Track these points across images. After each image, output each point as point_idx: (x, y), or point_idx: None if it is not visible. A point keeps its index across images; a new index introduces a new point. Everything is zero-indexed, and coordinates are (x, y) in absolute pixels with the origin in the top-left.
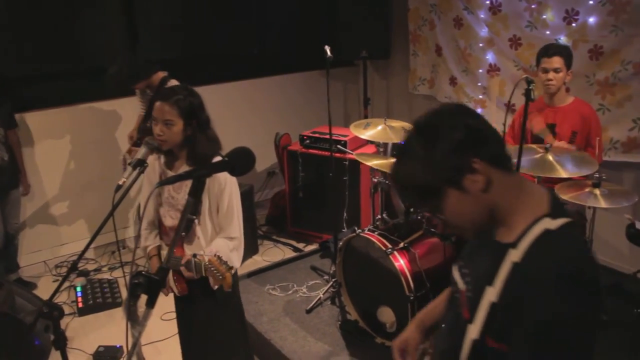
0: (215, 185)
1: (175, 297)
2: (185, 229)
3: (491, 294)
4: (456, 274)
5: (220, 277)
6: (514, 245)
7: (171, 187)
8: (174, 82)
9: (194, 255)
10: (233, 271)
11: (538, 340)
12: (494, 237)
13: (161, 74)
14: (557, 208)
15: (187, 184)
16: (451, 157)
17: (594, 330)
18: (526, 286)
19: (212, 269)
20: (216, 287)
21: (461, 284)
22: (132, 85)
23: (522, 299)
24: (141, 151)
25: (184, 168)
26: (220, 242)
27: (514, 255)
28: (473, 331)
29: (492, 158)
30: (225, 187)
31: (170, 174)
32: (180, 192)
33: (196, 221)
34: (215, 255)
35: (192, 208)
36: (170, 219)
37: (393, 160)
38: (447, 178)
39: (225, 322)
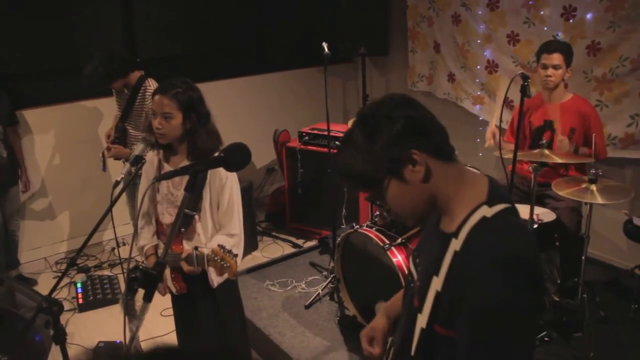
0: (217, 180)
1: (173, 296)
2: (185, 225)
3: (436, 284)
4: (411, 265)
5: (226, 265)
6: (455, 234)
7: (170, 184)
8: (151, 82)
9: (195, 248)
10: (239, 260)
11: (477, 326)
12: (439, 225)
13: (138, 73)
14: (495, 195)
15: (187, 180)
16: (390, 148)
17: (533, 315)
18: (464, 274)
19: (217, 258)
20: (217, 283)
21: (415, 274)
22: (108, 85)
23: (461, 286)
24: (139, 147)
25: (183, 163)
26: (221, 238)
27: (455, 244)
28: (421, 320)
29: (433, 149)
30: (226, 182)
31: (169, 169)
32: (180, 189)
33: (196, 217)
34: (218, 245)
35: (189, 203)
36: (169, 216)
37: (336, 151)
38: (387, 169)
39: (225, 321)
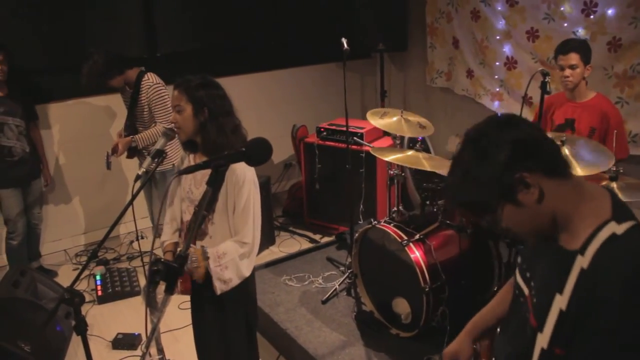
0: (233, 182)
1: (191, 298)
2: (198, 224)
3: (560, 302)
4: (519, 279)
5: (196, 265)
6: (581, 252)
7: (192, 182)
8: (150, 75)
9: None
10: (229, 276)
11: (601, 346)
12: (557, 242)
13: (137, 70)
14: (620, 211)
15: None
16: (502, 174)
17: None
18: (594, 293)
19: (194, 258)
20: (219, 290)
21: (525, 289)
22: (105, 83)
23: (589, 306)
24: (160, 141)
25: (203, 160)
26: (230, 244)
27: (582, 262)
28: (542, 340)
29: (545, 168)
30: (244, 185)
31: (200, 172)
32: (200, 188)
33: (209, 218)
34: (202, 247)
35: (209, 199)
36: (189, 214)
37: (448, 172)
38: (500, 194)
39: (229, 334)
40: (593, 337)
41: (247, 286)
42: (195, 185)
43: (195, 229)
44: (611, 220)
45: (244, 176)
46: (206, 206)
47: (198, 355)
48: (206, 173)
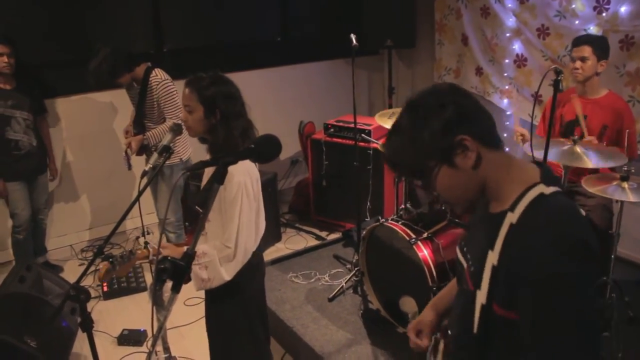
0: (227, 187)
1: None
2: (191, 221)
3: (492, 258)
4: (459, 254)
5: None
6: (511, 209)
7: (207, 178)
8: (158, 72)
9: (146, 243)
10: (206, 276)
11: (540, 299)
12: (487, 211)
13: (144, 66)
14: (549, 177)
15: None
16: (441, 134)
17: (592, 292)
18: (523, 247)
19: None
20: (196, 288)
21: (464, 262)
22: (114, 80)
23: (519, 260)
24: (167, 137)
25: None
26: (211, 247)
27: (511, 217)
28: (481, 296)
29: (482, 136)
30: (232, 182)
31: (212, 169)
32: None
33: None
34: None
35: (202, 200)
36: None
37: (386, 139)
38: (438, 155)
39: (230, 322)
40: (531, 291)
41: (243, 288)
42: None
43: (201, 227)
44: (540, 183)
45: (231, 176)
46: (202, 204)
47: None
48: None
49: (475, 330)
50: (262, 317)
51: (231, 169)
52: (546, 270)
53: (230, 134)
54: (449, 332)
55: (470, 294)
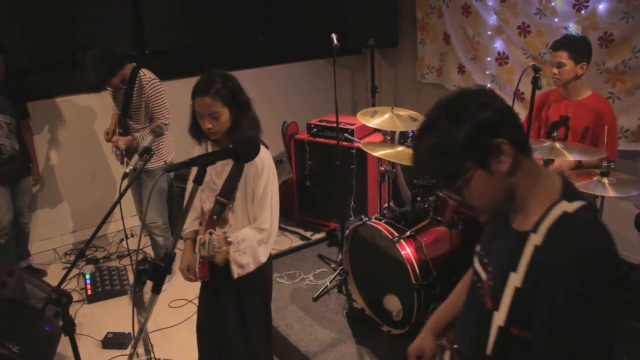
0: (252, 171)
1: (201, 284)
2: (217, 214)
3: (515, 280)
4: (477, 265)
5: (218, 250)
6: (534, 230)
7: (213, 172)
8: (144, 72)
9: (210, 233)
10: (246, 261)
11: (556, 323)
12: (510, 224)
13: (130, 66)
14: (570, 191)
15: (228, 170)
16: (480, 136)
17: (616, 315)
18: (546, 269)
19: (215, 243)
20: (236, 274)
21: (483, 274)
22: (103, 86)
23: (543, 280)
24: (147, 139)
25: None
26: (249, 231)
27: (535, 239)
28: (499, 318)
29: (516, 141)
30: (262, 173)
31: (220, 163)
32: (222, 178)
33: (230, 207)
34: (224, 233)
35: (224, 193)
36: (209, 204)
37: (415, 139)
38: (476, 157)
39: (247, 318)
40: (546, 313)
41: (265, 271)
42: (217, 175)
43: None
44: (562, 199)
45: (262, 164)
46: (228, 196)
47: (202, 341)
48: (226, 163)
49: (489, 352)
50: (270, 304)
51: (259, 160)
52: (572, 293)
53: (254, 121)
54: (455, 346)
55: (487, 313)
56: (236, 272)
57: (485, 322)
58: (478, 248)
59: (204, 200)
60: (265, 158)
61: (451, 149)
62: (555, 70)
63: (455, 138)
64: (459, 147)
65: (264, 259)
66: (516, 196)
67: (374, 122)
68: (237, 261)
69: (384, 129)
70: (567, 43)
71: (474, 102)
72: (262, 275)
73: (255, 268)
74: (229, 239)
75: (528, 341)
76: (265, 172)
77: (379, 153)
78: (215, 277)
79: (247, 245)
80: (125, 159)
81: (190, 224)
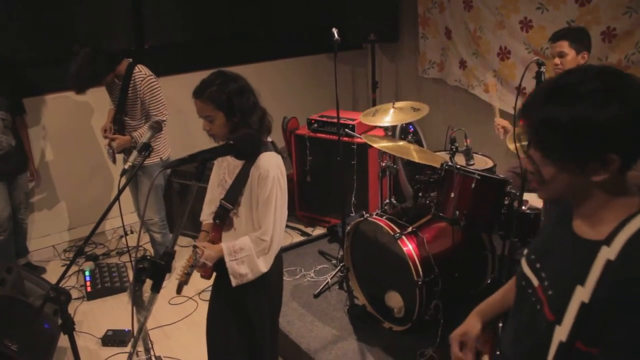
0: (257, 176)
1: (213, 284)
2: (220, 218)
3: (582, 294)
4: (527, 269)
5: (201, 264)
6: (606, 242)
7: (226, 171)
8: (140, 67)
9: (194, 247)
10: (244, 271)
11: (635, 346)
12: (573, 230)
13: (126, 62)
14: None
15: (238, 168)
16: (601, 134)
17: None
18: (622, 286)
19: (198, 257)
20: (234, 283)
21: (535, 280)
22: (97, 82)
23: (619, 298)
24: (146, 135)
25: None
26: (247, 241)
27: (608, 253)
28: (561, 333)
29: (625, 163)
30: (267, 180)
31: (230, 162)
32: (232, 177)
33: (234, 212)
34: (204, 248)
35: (229, 197)
36: None
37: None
38: (583, 153)
39: (253, 313)
40: (624, 336)
41: (270, 275)
42: (229, 174)
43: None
44: None
45: (266, 172)
46: (232, 200)
47: (212, 339)
48: (239, 164)
49: None
50: (279, 305)
51: (265, 164)
52: None
53: (250, 128)
54: (498, 352)
55: (547, 325)
56: (234, 281)
57: (542, 335)
58: (527, 251)
59: (217, 198)
60: (271, 166)
61: (583, 131)
62: (557, 61)
63: (595, 122)
64: (583, 133)
65: (264, 269)
66: (589, 202)
67: (377, 121)
68: (235, 270)
69: (387, 125)
70: (567, 32)
71: (625, 95)
72: (267, 278)
73: (254, 278)
74: (203, 261)
75: (593, 357)
76: (270, 178)
77: (380, 145)
78: (223, 277)
79: (245, 255)
80: (117, 156)
81: (207, 216)
